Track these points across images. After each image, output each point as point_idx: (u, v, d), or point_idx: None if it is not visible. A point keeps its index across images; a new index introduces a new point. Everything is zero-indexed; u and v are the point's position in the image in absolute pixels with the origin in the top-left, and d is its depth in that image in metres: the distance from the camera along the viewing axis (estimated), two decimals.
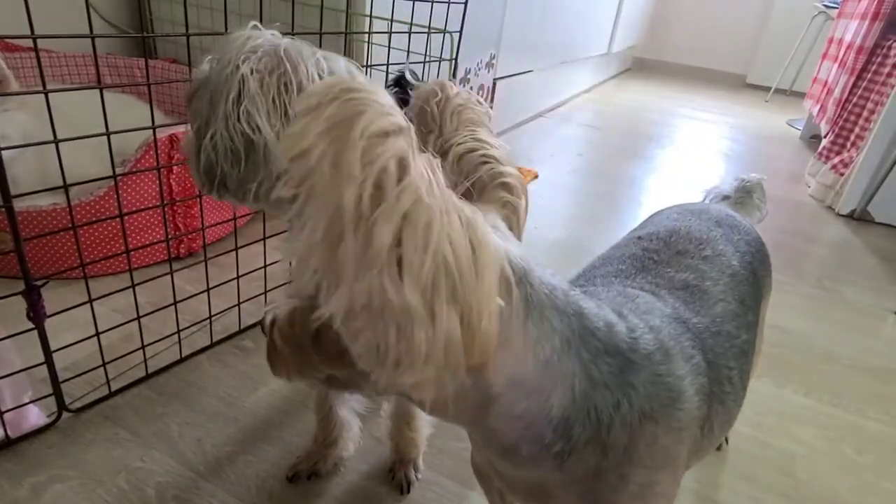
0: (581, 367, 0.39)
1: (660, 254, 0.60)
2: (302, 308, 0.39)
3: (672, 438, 0.44)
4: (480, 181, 0.44)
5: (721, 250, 0.61)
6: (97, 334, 0.88)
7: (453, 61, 1.38)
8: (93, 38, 0.74)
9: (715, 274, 0.58)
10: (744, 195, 0.86)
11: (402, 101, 1.05)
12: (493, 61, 2.14)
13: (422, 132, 0.47)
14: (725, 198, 0.87)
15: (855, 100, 2.30)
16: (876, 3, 2.25)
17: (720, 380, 0.50)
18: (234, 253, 1.03)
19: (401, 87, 1.07)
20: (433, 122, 0.46)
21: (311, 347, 0.38)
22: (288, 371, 0.40)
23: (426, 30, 1.31)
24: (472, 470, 0.64)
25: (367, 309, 0.26)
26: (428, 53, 1.35)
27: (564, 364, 0.38)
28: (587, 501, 0.43)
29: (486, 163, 0.44)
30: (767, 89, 4.33)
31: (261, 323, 0.42)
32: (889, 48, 2.17)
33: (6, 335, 0.78)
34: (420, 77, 1.32)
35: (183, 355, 1.02)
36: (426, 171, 0.26)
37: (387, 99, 0.27)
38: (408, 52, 1.29)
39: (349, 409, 0.85)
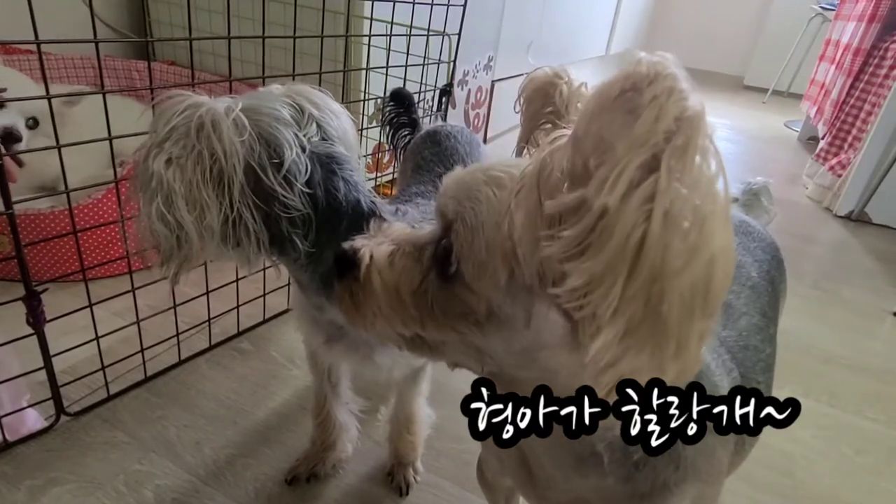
0: None
1: None
2: (407, 254, 0.37)
3: (724, 451, 0.44)
4: None
5: (739, 261, 0.60)
6: (96, 338, 0.87)
7: (452, 63, 1.38)
8: (96, 43, 0.74)
9: (736, 287, 0.57)
10: (751, 198, 0.85)
11: (398, 115, 1.05)
12: (492, 63, 2.14)
13: (536, 110, 0.46)
14: (734, 200, 0.87)
15: (852, 101, 2.30)
16: (873, 5, 2.26)
17: None
18: None
19: (398, 103, 1.06)
20: (561, 101, 0.44)
21: (410, 297, 0.36)
22: (373, 319, 0.38)
23: (425, 32, 1.31)
24: (470, 472, 0.65)
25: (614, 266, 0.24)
26: (427, 55, 1.35)
27: None
28: None
29: None
30: (765, 91, 4.34)
31: (347, 258, 0.39)
32: (886, 50, 2.17)
33: (6, 340, 0.78)
34: (421, 88, 1.33)
35: (182, 358, 1.02)
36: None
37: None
38: (407, 54, 1.29)
39: (347, 411, 0.85)
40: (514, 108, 2.01)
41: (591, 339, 0.25)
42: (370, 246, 0.39)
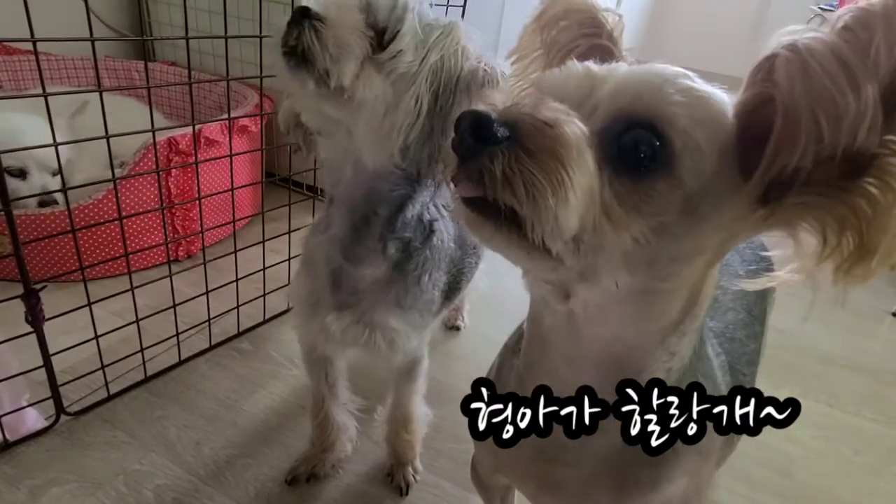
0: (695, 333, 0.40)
1: None
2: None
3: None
4: None
5: (726, 260, 0.61)
6: (96, 337, 0.87)
7: None
8: (93, 42, 0.74)
9: (724, 283, 0.58)
10: None
11: None
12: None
13: (573, 36, 0.50)
14: None
15: None
16: None
17: (738, 383, 0.51)
18: (232, 256, 1.03)
19: None
20: (608, 31, 0.48)
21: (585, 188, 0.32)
22: (560, 190, 0.30)
23: None
24: (470, 474, 0.65)
25: None
26: None
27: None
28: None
29: None
30: None
31: (487, 119, 0.31)
32: None
33: (5, 339, 0.78)
34: None
35: (181, 358, 1.02)
36: None
37: None
38: None
39: (345, 411, 0.85)
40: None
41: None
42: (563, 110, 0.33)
